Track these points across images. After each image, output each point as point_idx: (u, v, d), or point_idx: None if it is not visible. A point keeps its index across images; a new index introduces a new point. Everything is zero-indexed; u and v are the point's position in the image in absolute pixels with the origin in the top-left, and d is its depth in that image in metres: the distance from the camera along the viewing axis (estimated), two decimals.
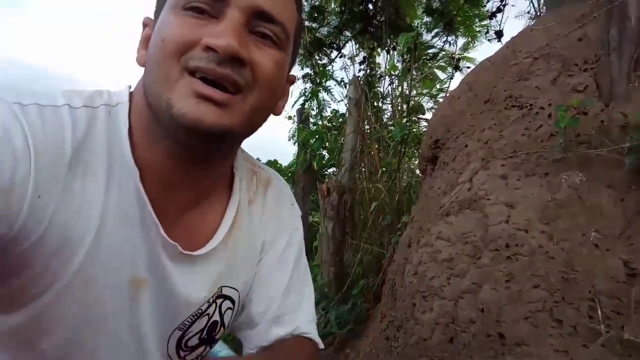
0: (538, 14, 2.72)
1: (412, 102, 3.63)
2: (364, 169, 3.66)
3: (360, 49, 5.44)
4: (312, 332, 0.72)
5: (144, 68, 0.57)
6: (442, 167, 1.88)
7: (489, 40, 4.86)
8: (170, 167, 0.56)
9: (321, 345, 0.73)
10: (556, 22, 1.75)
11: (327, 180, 3.47)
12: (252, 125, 0.57)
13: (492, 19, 4.34)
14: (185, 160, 0.56)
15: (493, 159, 1.56)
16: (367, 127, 3.95)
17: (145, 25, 0.60)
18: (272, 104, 0.59)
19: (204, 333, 0.68)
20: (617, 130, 1.29)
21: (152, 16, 0.60)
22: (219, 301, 0.68)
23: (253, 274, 0.72)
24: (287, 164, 7.68)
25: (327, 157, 5.23)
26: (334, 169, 5.14)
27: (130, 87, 0.61)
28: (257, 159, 0.74)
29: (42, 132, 0.48)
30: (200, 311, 0.65)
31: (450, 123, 1.92)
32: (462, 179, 1.63)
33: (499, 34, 4.21)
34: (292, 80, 0.66)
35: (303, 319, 0.72)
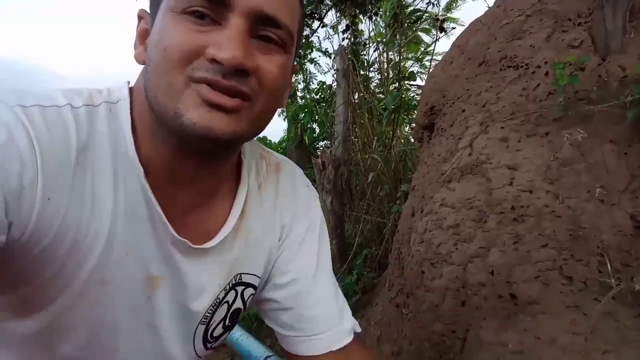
0: None
1: (400, 68, 3.58)
2: (357, 140, 3.65)
3: (342, 17, 5.33)
4: (356, 326, 0.74)
5: (143, 65, 0.55)
6: (439, 133, 1.88)
7: None
8: (176, 165, 0.55)
9: (358, 329, 0.74)
10: None
11: (321, 154, 3.45)
12: (260, 128, 0.56)
13: None
14: (192, 159, 0.55)
15: (492, 122, 1.56)
16: (356, 97, 3.91)
17: (140, 18, 0.58)
18: (278, 104, 0.58)
19: (227, 321, 0.69)
20: (615, 84, 1.28)
21: (146, 8, 0.57)
22: (239, 289, 0.68)
23: (274, 258, 0.72)
24: (277, 140, 7.63)
25: (318, 131, 5.21)
26: (327, 142, 5.12)
27: (129, 82, 0.59)
28: None
29: (47, 133, 0.47)
30: (218, 300, 0.65)
31: (444, 88, 1.90)
32: (462, 145, 1.63)
33: None
34: (295, 69, 0.64)
35: (348, 314, 0.73)
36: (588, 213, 1.19)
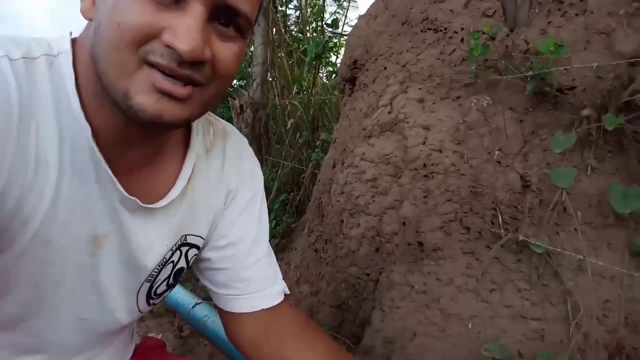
0: None
1: (323, 13, 3.52)
2: (275, 84, 3.60)
3: None
4: (284, 286, 0.81)
5: (90, 21, 0.52)
6: (361, 88, 1.94)
7: None
8: (123, 127, 0.54)
9: (287, 291, 0.81)
10: None
11: (239, 96, 3.36)
12: (209, 108, 0.57)
13: None
14: (139, 127, 0.54)
15: (411, 83, 1.65)
16: (275, 36, 3.80)
17: None
18: (228, 87, 0.59)
19: (171, 279, 0.72)
20: (520, 56, 1.43)
21: None
22: (184, 249, 0.70)
23: (218, 222, 0.75)
24: None
25: None
26: (241, 82, 4.95)
27: (71, 33, 0.55)
28: None
29: None
30: (164, 260, 0.68)
31: (368, 43, 1.94)
32: (382, 102, 1.72)
33: None
34: None
35: (279, 277, 0.80)
36: (487, 172, 1.36)
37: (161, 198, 0.63)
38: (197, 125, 0.70)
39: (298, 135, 3.07)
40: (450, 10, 1.64)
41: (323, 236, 1.91)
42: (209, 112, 0.75)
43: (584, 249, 1.13)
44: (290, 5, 4.91)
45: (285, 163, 3.05)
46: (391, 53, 1.79)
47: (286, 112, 3.35)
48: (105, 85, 0.48)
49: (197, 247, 0.73)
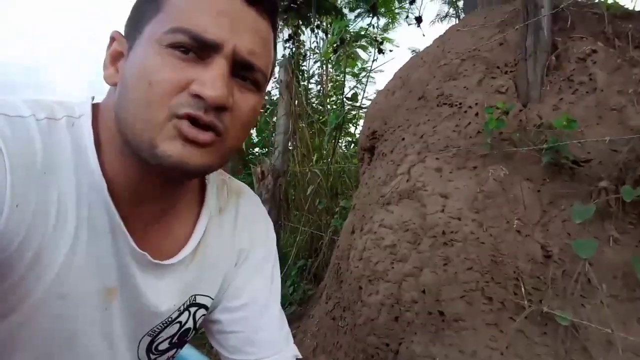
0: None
1: (338, 84, 3.73)
2: (296, 152, 3.73)
3: (286, 26, 5.40)
4: (296, 351, 0.78)
5: (112, 86, 0.57)
6: (380, 157, 2.01)
7: (409, 24, 5.10)
8: (140, 182, 0.57)
9: (300, 356, 0.78)
10: (479, 24, 1.92)
11: (261, 163, 3.48)
12: (227, 159, 0.60)
13: (412, 4, 4.56)
14: (158, 179, 0.58)
15: (428, 153, 1.71)
16: (297, 108, 4.00)
17: (113, 39, 0.59)
18: (244, 139, 0.63)
19: (175, 338, 0.71)
20: (533, 130, 1.49)
21: (120, 29, 0.59)
22: (192, 309, 0.70)
23: (229, 282, 0.75)
24: None
25: (256, 139, 5.21)
26: (263, 149, 5.14)
27: (93, 98, 0.60)
28: None
29: (13, 141, 0.48)
30: (170, 319, 0.67)
31: (386, 116, 2.04)
32: (400, 171, 1.77)
33: (419, 20, 4.45)
34: None
35: (291, 340, 0.78)
36: (507, 242, 1.37)
37: (173, 256, 0.64)
38: (212, 185, 0.72)
39: (317, 202, 3.12)
40: (465, 87, 1.74)
41: (341, 303, 1.88)
42: (223, 172, 0.78)
43: (611, 323, 1.10)
44: (312, 81, 5.23)
45: (304, 229, 3.08)
46: (409, 125, 1.88)
47: (306, 180, 3.44)
48: (131, 139, 0.52)
49: (205, 307, 0.72)
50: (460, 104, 1.71)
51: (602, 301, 1.14)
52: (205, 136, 0.51)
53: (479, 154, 1.58)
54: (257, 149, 5.85)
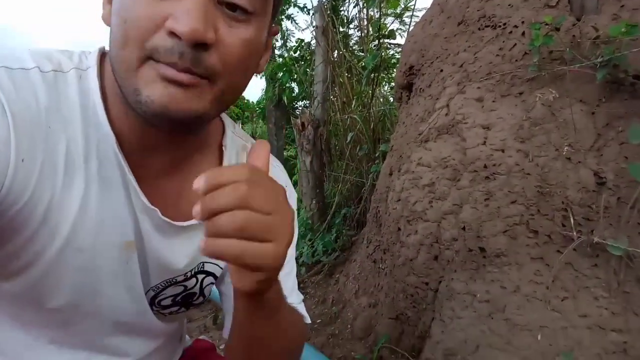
0: None
1: (380, 26, 3.52)
2: (336, 100, 3.63)
3: None
4: (304, 312, 0.74)
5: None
6: (418, 93, 1.89)
7: None
8: (145, 133, 0.54)
9: (309, 321, 0.75)
10: None
11: (300, 114, 3.43)
12: (224, 105, 0.54)
13: None
14: (158, 130, 0.54)
15: (469, 82, 1.58)
16: (336, 55, 3.86)
17: None
18: (246, 79, 0.55)
19: (179, 297, 0.69)
20: (588, 44, 1.31)
21: None
22: (200, 277, 0.69)
23: None
24: (256, 99, 7.51)
25: (297, 90, 5.14)
26: (306, 101, 5.07)
27: (104, 48, 0.57)
28: None
29: (16, 95, 0.46)
30: (174, 280, 0.66)
31: (423, 48, 1.90)
32: (439, 105, 1.66)
33: None
34: (274, 31, 0.60)
35: (295, 299, 0.73)
36: (555, 170, 1.25)
37: (186, 218, 0.62)
38: (230, 150, 0.68)
39: (358, 148, 3.05)
40: (509, 5, 1.56)
41: (381, 246, 1.85)
42: (247, 136, 0.75)
43: None
44: (351, 26, 5.00)
45: (346, 177, 3.04)
46: (447, 55, 1.73)
47: (346, 127, 3.36)
48: (120, 86, 0.49)
49: (214, 275, 0.71)
50: (504, 24, 1.54)
51: None
52: (186, 76, 0.46)
53: (526, 77, 1.43)
54: (300, 103, 5.80)
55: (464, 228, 1.39)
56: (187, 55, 0.45)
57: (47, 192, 0.49)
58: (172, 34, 0.44)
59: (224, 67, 0.48)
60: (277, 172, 0.77)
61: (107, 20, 0.52)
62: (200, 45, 0.45)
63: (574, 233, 1.15)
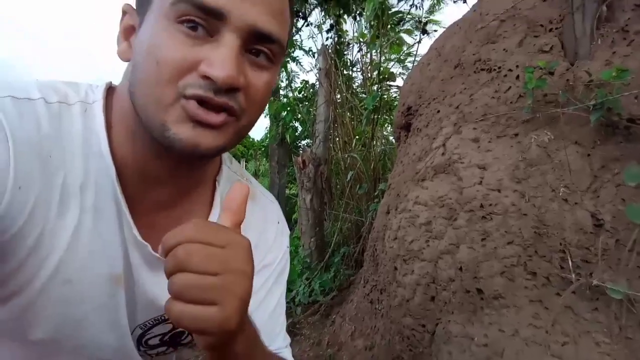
0: None
1: (382, 69, 3.62)
2: (338, 139, 3.68)
3: (327, 17, 5.35)
4: (289, 357, 0.71)
5: (127, 63, 0.54)
6: (415, 133, 1.91)
7: (454, 1, 4.87)
8: (152, 164, 0.55)
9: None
10: None
11: (302, 152, 3.46)
12: (242, 139, 0.57)
13: None
14: (171, 162, 0.55)
15: (465, 123, 1.60)
16: (338, 96, 3.94)
17: (124, 12, 0.56)
18: (260, 116, 0.59)
19: (166, 337, 0.68)
20: (582, 88, 1.33)
21: (131, 3, 0.56)
22: None
23: None
24: (259, 138, 7.62)
25: (299, 129, 5.22)
26: (308, 140, 5.13)
27: (111, 83, 0.59)
28: None
29: (19, 123, 0.47)
30: (162, 318, 0.64)
31: (421, 90, 1.94)
32: (435, 145, 1.67)
33: None
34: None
35: (280, 344, 0.71)
36: (552, 212, 1.24)
37: None
38: (224, 187, 0.69)
39: (358, 187, 3.05)
40: (504, 50, 1.60)
41: (377, 286, 1.81)
42: (244, 172, 0.76)
43: None
44: (355, 68, 5.14)
45: (346, 216, 3.02)
46: (444, 96, 1.77)
47: (346, 166, 3.38)
48: (144, 120, 0.50)
49: None
50: (499, 67, 1.58)
51: None
52: (217, 118, 0.49)
53: (521, 119, 1.45)
54: (303, 142, 5.87)
55: (460, 268, 1.37)
56: (221, 94, 0.48)
57: (40, 221, 0.49)
58: (206, 77, 0.47)
59: (248, 105, 0.51)
60: (270, 207, 0.76)
61: (125, 56, 0.54)
62: (231, 90, 0.48)
63: (573, 275, 1.13)
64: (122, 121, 0.54)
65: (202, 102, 0.47)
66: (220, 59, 0.47)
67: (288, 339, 0.75)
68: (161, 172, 0.56)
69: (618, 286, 1.02)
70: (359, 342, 1.85)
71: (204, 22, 0.47)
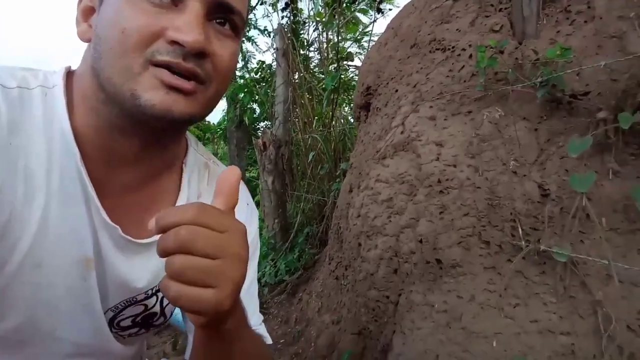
0: None
1: (339, 49, 3.63)
2: (297, 120, 3.68)
3: None
4: (265, 333, 0.75)
5: (88, 44, 0.54)
6: (375, 113, 1.96)
7: None
8: (119, 144, 0.55)
9: (270, 341, 0.75)
10: None
11: (262, 134, 3.45)
12: (210, 110, 0.58)
13: None
14: (139, 138, 0.55)
15: (422, 102, 1.65)
16: (296, 77, 3.92)
17: None
18: (226, 89, 0.60)
19: (138, 318, 0.68)
20: (529, 66, 1.41)
21: None
22: (160, 294, 0.68)
23: None
24: (216, 121, 7.46)
25: (258, 111, 5.16)
26: (267, 122, 5.09)
27: (69, 67, 0.58)
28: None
29: None
30: (134, 299, 0.65)
31: (379, 69, 1.97)
32: (395, 123, 1.72)
33: None
34: None
35: (256, 321, 0.74)
36: (503, 184, 1.32)
37: (147, 237, 0.62)
38: (191, 168, 0.69)
39: (320, 167, 3.09)
40: (457, 30, 1.66)
41: (342, 262, 1.87)
42: (210, 156, 0.76)
43: (610, 256, 1.06)
44: (312, 48, 5.11)
45: (308, 196, 3.06)
46: (402, 76, 1.81)
47: (307, 147, 3.40)
48: (111, 92, 0.50)
49: None
50: (453, 47, 1.63)
51: (601, 236, 1.10)
52: (188, 84, 0.49)
53: (474, 97, 1.52)
54: (262, 124, 5.81)
55: (420, 241, 1.43)
56: (189, 59, 0.48)
57: (7, 207, 0.48)
58: (174, 42, 0.48)
59: (215, 75, 0.53)
60: (240, 191, 0.78)
61: (85, 36, 0.54)
62: (199, 54, 0.49)
63: (523, 242, 1.21)
64: (83, 102, 0.54)
65: (171, 69, 0.48)
66: (187, 23, 0.48)
67: (261, 317, 0.78)
68: (127, 152, 0.56)
69: (562, 250, 1.11)
70: (326, 317, 1.91)
71: None
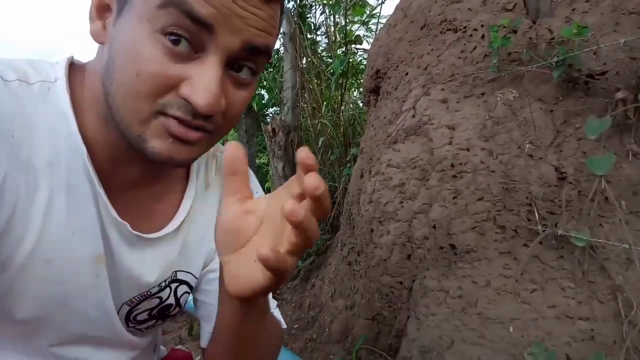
0: None
1: (347, 31, 3.57)
2: (306, 106, 3.65)
3: None
4: (280, 317, 0.75)
5: (100, 45, 0.52)
6: (385, 96, 1.92)
7: None
8: (121, 149, 0.54)
9: (284, 325, 0.76)
10: None
11: (271, 120, 3.43)
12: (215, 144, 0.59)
13: None
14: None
15: (433, 84, 1.62)
16: (304, 61, 3.88)
17: None
18: (235, 125, 0.61)
19: (154, 311, 0.69)
20: (544, 46, 1.37)
21: None
22: (173, 285, 0.68)
23: (212, 258, 0.72)
24: None
25: (266, 97, 5.13)
26: (276, 108, 5.06)
27: (72, 57, 0.57)
28: None
29: None
30: (149, 293, 0.65)
31: (389, 52, 1.93)
32: (405, 107, 1.69)
33: None
34: None
35: (272, 305, 0.73)
36: (518, 167, 1.29)
37: (156, 230, 0.62)
38: (199, 162, 0.69)
39: (330, 153, 3.07)
40: (469, 9, 1.61)
41: (355, 248, 1.87)
42: (218, 145, 0.75)
43: (630, 239, 1.03)
44: (318, 32, 5.04)
45: None
46: (412, 58, 1.77)
47: (317, 132, 3.38)
48: (120, 124, 0.49)
49: (188, 284, 0.70)
50: (464, 27, 1.59)
51: (620, 219, 1.07)
52: (194, 135, 0.49)
53: (487, 78, 1.48)
54: (271, 109, 5.78)
55: (434, 226, 1.42)
56: (199, 117, 0.48)
57: (11, 200, 0.48)
58: (187, 100, 0.47)
59: (224, 123, 0.53)
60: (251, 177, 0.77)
61: (99, 39, 0.52)
62: (210, 115, 0.49)
63: (539, 227, 1.19)
64: (93, 105, 0.53)
65: (180, 121, 0.48)
66: (203, 84, 0.46)
67: (275, 302, 0.78)
68: (134, 156, 0.55)
69: (581, 234, 1.09)
70: (340, 302, 1.92)
71: (190, 36, 0.45)
